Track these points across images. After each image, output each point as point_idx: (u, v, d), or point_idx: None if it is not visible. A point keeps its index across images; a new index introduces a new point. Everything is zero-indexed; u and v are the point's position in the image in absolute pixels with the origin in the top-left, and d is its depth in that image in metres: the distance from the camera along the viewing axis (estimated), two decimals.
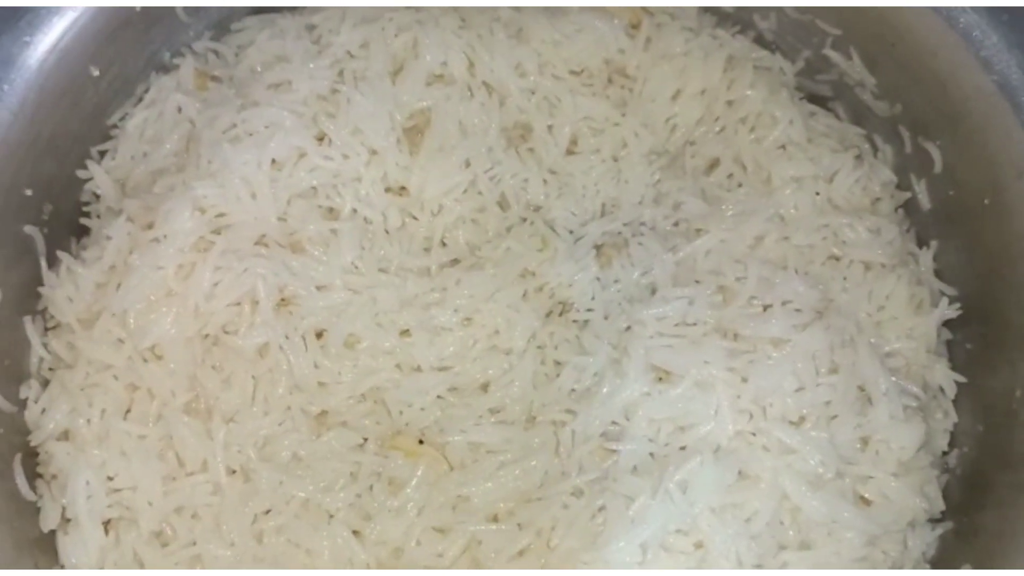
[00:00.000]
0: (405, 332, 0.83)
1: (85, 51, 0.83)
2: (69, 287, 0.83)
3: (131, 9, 0.85)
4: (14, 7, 0.79)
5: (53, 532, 0.78)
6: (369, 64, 0.89)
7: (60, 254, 0.84)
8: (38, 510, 0.78)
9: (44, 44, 0.80)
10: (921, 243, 0.94)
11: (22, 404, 0.81)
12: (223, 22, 0.95)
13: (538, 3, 0.95)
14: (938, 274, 0.92)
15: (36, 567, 0.75)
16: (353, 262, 0.85)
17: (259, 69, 0.90)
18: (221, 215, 0.83)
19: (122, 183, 0.89)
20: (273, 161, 0.84)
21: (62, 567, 0.77)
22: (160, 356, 0.81)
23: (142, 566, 0.77)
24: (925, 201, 0.93)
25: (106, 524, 0.78)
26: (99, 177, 0.88)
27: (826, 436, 0.79)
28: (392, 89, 0.88)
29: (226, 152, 0.83)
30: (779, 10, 0.96)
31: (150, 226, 0.82)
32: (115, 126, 0.90)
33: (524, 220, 0.89)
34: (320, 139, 0.86)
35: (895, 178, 0.94)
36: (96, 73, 0.85)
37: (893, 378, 0.83)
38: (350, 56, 0.90)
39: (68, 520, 0.78)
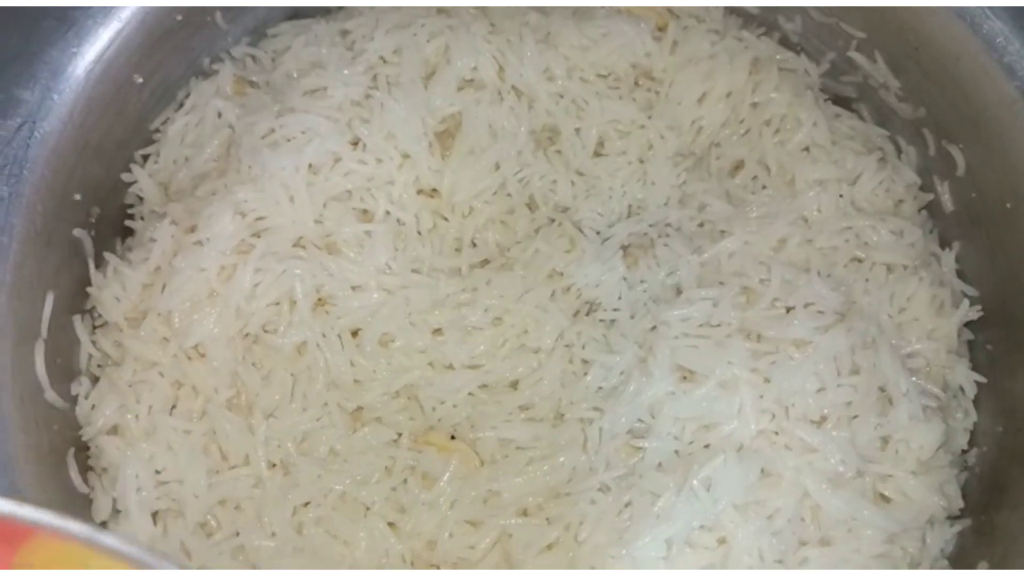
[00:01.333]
0: (437, 331, 0.86)
1: (129, 60, 0.86)
2: (116, 287, 0.86)
3: (173, 18, 0.87)
4: (62, 18, 0.82)
5: (105, 523, 0.81)
6: (402, 70, 0.91)
7: (107, 255, 0.88)
8: (91, 502, 0.82)
9: (91, 54, 0.83)
10: (943, 244, 0.95)
11: (73, 400, 0.84)
12: (259, 28, 0.97)
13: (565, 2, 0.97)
14: (960, 275, 0.93)
15: None
16: (387, 263, 0.87)
17: (295, 75, 0.92)
18: (261, 219, 0.86)
19: (165, 186, 0.92)
20: (310, 166, 0.87)
21: None
22: (203, 354, 0.84)
23: (189, 556, 0.81)
24: (948, 203, 0.94)
25: (154, 515, 0.82)
26: (143, 180, 0.91)
27: (847, 436, 0.81)
28: (424, 94, 0.90)
29: (265, 158, 0.85)
30: (804, 13, 0.98)
31: (193, 229, 0.85)
32: (157, 131, 0.93)
33: (552, 221, 0.91)
34: (354, 144, 0.89)
35: (918, 180, 0.95)
36: (140, 80, 0.88)
37: (914, 379, 0.85)
38: (383, 62, 0.92)
39: (119, 511, 0.81)
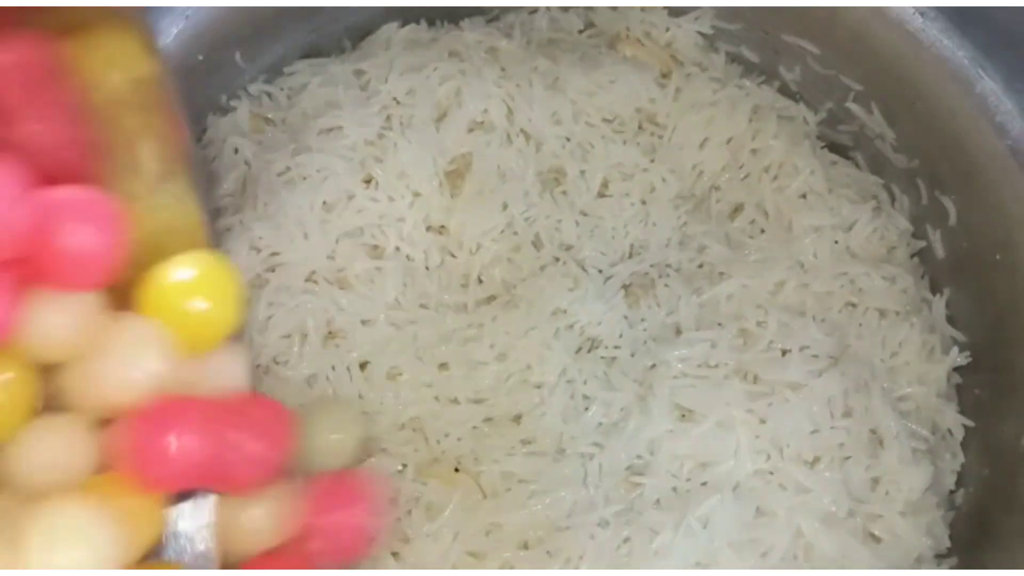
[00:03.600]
0: (443, 366, 0.88)
1: None
2: None
3: (195, 58, 0.91)
4: None
5: None
6: (415, 111, 0.94)
7: None
8: None
9: None
10: (934, 290, 0.98)
11: None
12: (275, 66, 1.00)
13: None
14: (950, 321, 0.96)
15: None
16: (396, 298, 0.90)
17: (311, 114, 0.95)
18: (275, 254, 0.88)
19: None
20: (324, 203, 0.89)
21: None
22: None
23: None
24: (939, 250, 0.97)
25: None
26: None
27: (839, 476, 0.83)
28: (436, 135, 0.93)
29: (282, 195, 0.88)
30: (804, 64, 1.01)
31: None
32: None
33: (557, 260, 0.94)
34: (367, 182, 0.91)
35: (911, 227, 0.99)
36: None
37: (904, 421, 0.88)
38: (397, 103, 0.95)
39: None
